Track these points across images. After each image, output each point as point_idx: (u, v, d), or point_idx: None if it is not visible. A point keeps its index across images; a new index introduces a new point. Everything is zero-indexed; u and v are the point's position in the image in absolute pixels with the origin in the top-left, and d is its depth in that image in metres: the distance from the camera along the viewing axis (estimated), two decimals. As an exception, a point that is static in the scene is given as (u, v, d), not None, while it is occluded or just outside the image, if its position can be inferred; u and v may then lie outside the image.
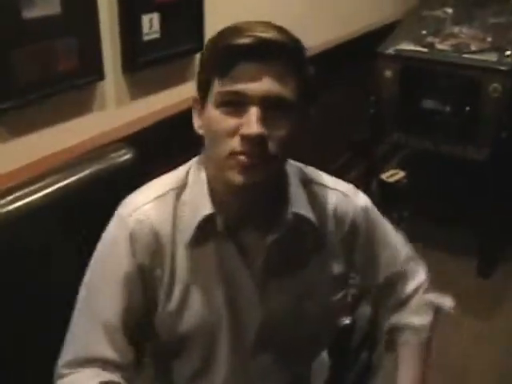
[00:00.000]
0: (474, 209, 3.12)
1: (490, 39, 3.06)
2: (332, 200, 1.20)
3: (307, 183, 1.19)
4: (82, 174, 1.44)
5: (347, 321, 1.44)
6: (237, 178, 1.00)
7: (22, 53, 1.49)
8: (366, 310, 2.44)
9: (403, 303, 1.32)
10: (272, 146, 0.99)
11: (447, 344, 2.60)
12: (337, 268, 1.23)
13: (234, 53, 0.97)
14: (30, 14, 1.47)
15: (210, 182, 1.10)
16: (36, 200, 1.37)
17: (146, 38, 1.84)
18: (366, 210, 1.23)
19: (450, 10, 3.37)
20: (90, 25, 1.65)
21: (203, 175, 1.10)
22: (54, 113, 1.64)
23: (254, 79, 0.97)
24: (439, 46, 3.02)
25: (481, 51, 2.96)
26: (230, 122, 0.99)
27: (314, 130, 3.08)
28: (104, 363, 1.08)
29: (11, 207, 1.34)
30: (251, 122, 0.96)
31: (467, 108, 2.87)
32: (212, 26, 2.11)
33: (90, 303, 1.12)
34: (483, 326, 2.79)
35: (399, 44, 3.03)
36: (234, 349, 1.17)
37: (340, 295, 1.25)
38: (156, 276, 1.12)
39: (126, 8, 1.76)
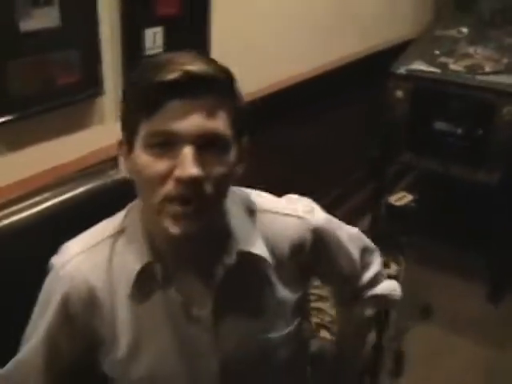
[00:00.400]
0: (484, 233, 3.06)
1: (505, 60, 3.01)
2: (287, 228, 1.11)
3: (255, 213, 1.11)
4: (79, 190, 1.42)
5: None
6: (172, 228, 0.94)
7: (19, 66, 1.47)
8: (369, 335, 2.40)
9: (356, 296, 1.31)
10: (210, 187, 0.93)
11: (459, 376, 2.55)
12: (294, 293, 1.15)
13: (161, 90, 0.89)
14: (27, 26, 1.43)
15: (146, 228, 1.03)
16: (32, 215, 1.36)
17: (148, 52, 1.81)
18: (322, 229, 1.16)
19: (464, 30, 3.33)
20: (90, 38, 1.62)
21: (139, 222, 1.04)
22: (52, 127, 1.61)
23: (184, 116, 0.89)
24: (452, 67, 2.97)
25: (495, 73, 2.91)
26: (162, 165, 0.91)
27: (326, 146, 3.05)
28: None
29: (5, 222, 1.32)
30: (186, 163, 0.89)
31: (480, 131, 2.81)
32: (218, 41, 2.09)
33: (24, 344, 1.11)
34: (495, 356, 2.71)
35: (411, 64, 2.99)
36: None
37: (299, 319, 1.18)
38: (94, 326, 1.07)
39: (129, 21, 1.73)
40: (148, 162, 0.91)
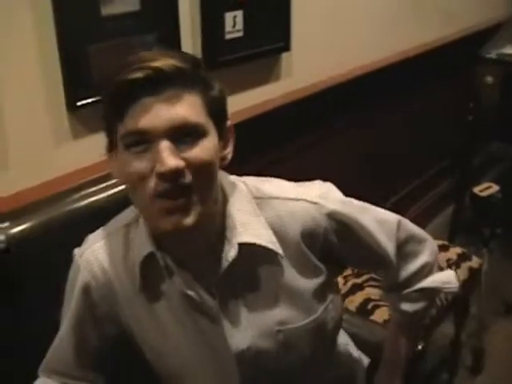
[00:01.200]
0: None
1: None
2: (297, 213, 1.06)
3: (262, 201, 1.07)
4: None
5: (419, 347, 1.35)
6: (164, 224, 0.93)
7: (100, 49, 1.49)
8: (448, 329, 2.34)
9: (400, 286, 1.25)
10: (193, 176, 0.91)
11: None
12: (312, 280, 1.11)
13: (127, 90, 0.89)
14: (109, 10, 1.46)
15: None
16: (107, 197, 1.40)
17: (228, 36, 1.80)
18: (339, 213, 1.10)
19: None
20: (169, 22, 1.63)
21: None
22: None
23: (152, 112, 0.89)
24: (547, 52, 2.83)
25: None
26: (142, 163, 0.91)
27: (410, 135, 2.99)
28: (65, 376, 1.18)
29: (80, 204, 1.37)
30: (163, 157, 0.88)
31: None
32: (299, 25, 2.07)
33: (60, 330, 1.17)
34: None
35: (502, 48, 2.86)
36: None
37: (320, 311, 1.13)
38: (116, 312, 1.12)
39: (209, 5, 1.73)
40: (129, 162, 0.91)
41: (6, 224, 1.28)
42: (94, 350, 1.16)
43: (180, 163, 0.89)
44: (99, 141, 1.56)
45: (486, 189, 2.50)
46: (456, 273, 2.05)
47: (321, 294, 1.12)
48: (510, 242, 2.80)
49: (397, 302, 1.28)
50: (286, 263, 1.07)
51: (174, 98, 0.90)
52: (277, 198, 1.07)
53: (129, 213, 1.11)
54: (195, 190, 0.92)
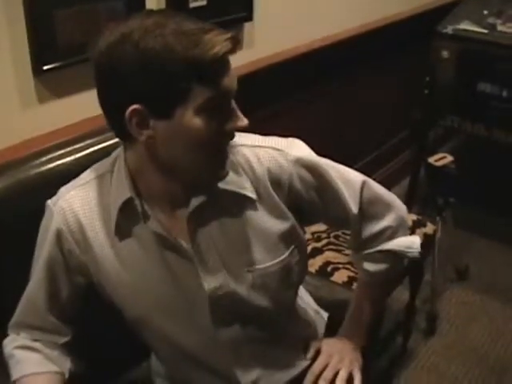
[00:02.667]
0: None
1: (555, 22, 2.92)
2: (264, 159, 1.14)
3: (233, 148, 1.13)
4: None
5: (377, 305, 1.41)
6: (221, 172, 1.08)
7: (65, 14, 1.50)
8: (402, 294, 2.42)
9: (362, 246, 1.31)
10: None
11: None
12: (281, 222, 1.17)
13: (219, 61, 0.97)
14: (74, -25, 1.46)
15: (130, 171, 1.10)
16: (71, 162, 1.40)
17: (192, 4, 1.83)
18: (305, 162, 1.16)
19: (515, -10, 3.22)
20: (134, -12, 1.63)
21: (123, 166, 1.10)
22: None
23: (229, 75, 1.00)
24: (501, 28, 2.89)
25: (545, 35, 2.83)
26: (214, 123, 1.00)
27: (369, 107, 3.03)
28: (35, 329, 1.21)
29: (46, 167, 1.38)
30: (239, 115, 1.03)
31: (525, 94, 2.75)
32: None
33: (30, 281, 1.20)
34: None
35: (459, 23, 2.92)
36: (192, 328, 1.20)
37: (287, 253, 1.19)
38: (86, 260, 1.16)
39: (174, -28, 1.73)
40: (202, 125, 0.98)
41: (-27, 185, 1.29)
42: (64, 300, 1.19)
43: None
44: (65, 105, 1.59)
45: (441, 159, 2.57)
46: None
47: (288, 237, 1.18)
48: (463, 211, 2.89)
49: (360, 261, 1.34)
50: (257, 206, 1.14)
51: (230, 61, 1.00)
52: (246, 145, 1.15)
53: (99, 166, 1.17)
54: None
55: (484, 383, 2.36)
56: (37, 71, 1.50)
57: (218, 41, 0.94)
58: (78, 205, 1.13)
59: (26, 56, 1.47)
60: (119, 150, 1.15)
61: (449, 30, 2.90)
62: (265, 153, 1.15)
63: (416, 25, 3.09)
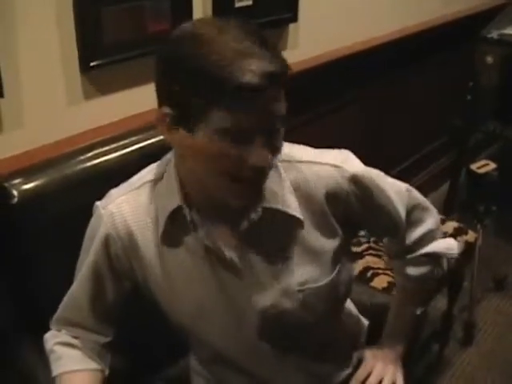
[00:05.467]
0: None
1: None
2: (321, 177, 1.10)
3: (290, 164, 1.10)
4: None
5: (418, 311, 1.39)
6: (234, 202, 1.01)
7: (112, 12, 1.51)
8: (440, 302, 2.39)
9: (406, 252, 1.30)
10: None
11: None
12: (332, 240, 1.15)
13: (245, 90, 0.88)
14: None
15: (179, 178, 1.06)
16: (115, 158, 1.42)
17: (238, 4, 1.82)
18: (361, 177, 1.13)
19: None
20: (182, -13, 1.64)
21: (173, 171, 1.07)
22: (142, 73, 1.64)
23: (259, 109, 0.91)
24: (548, 33, 2.85)
25: None
26: (235, 151, 0.93)
27: (410, 110, 3.00)
28: (76, 327, 1.21)
29: (91, 163, 1.39)
30: (260, 152, 0.93)
31: None
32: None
33: (75, 280, 1.20)
34: None
35: (504, 28, 2.88)
36: (236, 337, 1.18)
37: (336, 270, 1.17)
38: (132, 266, 1.15)
39: (221, -28, 1.74)
40: (219, 147, 0.92)
41: (19, 180, 1.31)
42: (108, 303, 1.19)
43: (271, 158, 0.95)
44: (110, 102, 1.60)
45: (483, 166, 2.53)
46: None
47: (337, 256, 1.16)
48: (504, 219, 2.84)
49: (402, 267, 1.32)
50: (308, 225, 1.11)
51: (273, 95, 0.92)
52: (304, 161, 1.11)
53: (152, 170, 1.14)
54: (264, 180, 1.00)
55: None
56: (84, 68, 1.51)
57: (248, 71, 0.88)
58: (127, 210, 1.11)
59: (74, 52, 1.49)
60: (166, 158, 1.13)
61: (494, 34, 2.87)
62: (323, 170, 1.10)
63: (460, 29, 3.04)
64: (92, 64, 1.51)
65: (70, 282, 1.20)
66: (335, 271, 1.16)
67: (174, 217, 1.07)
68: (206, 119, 0.91)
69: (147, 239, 1.12)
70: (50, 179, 1.34)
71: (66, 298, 1.21)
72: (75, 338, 1.21)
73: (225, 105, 0.89)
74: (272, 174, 1.05)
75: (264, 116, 0.92)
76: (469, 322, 2.56)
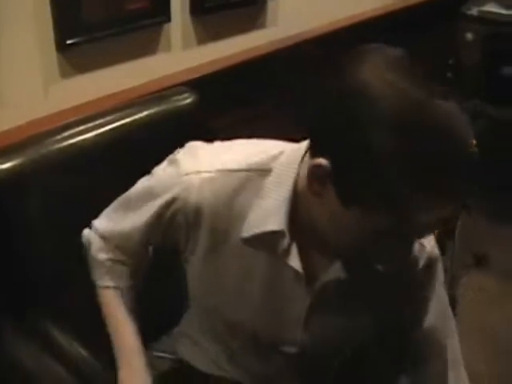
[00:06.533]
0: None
1: None
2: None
3: None
4: (142, 115, 1.48)
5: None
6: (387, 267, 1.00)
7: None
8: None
9: None
10: None
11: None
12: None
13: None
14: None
15: (293, 198, 0.96)
16: (93, 137, 1.40)
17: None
18: (435, 261, 1.10)
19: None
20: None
21: (291, 176, 0.95)
22: (119, 52, 1.64)
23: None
24: (528, 10, 2.85)
25: None
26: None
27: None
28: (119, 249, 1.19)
29: (67, 143, 1.38)
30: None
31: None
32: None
33: (128, 207, 1.16)
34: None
35: (484, 5, 2.87)
36: (256, 344, 1.16)
37: None
38: (186, 239, 1.08)
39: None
40: (349, 221, 0.86)
41: (-4, 160, 1.29)
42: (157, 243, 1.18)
43: None
44: (88, 81, 1.59)
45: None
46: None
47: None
48: (485, 198, 2.86)
49: None
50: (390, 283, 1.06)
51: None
52: None
53: (260, 156, 1.01)
54: None
55: (502, 369, 2.34)
56: (60, 45, 1.49)
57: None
58: (207, 190, 1.00)
59: (50, 29, 1.47)
60: (292, 148, 1.00)
61: (474, 11, 2.86)
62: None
63: (440, 6, 3.03)
64: (68, 42, 1.49)
65: (53, 259, 1.25)
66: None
67: (264, 234, 0.98)
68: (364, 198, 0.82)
69: (217, 228, 1.03)
70: (28, 159, 1.32)
71: (111, 221, 1.20)
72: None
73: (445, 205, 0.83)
74: None
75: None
76: (450, 298, 2.57)
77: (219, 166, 1.01)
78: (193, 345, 1.29)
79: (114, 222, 1.19)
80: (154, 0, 1.64)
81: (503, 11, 2.85)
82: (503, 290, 2.74)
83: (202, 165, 1.03)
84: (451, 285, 2.58)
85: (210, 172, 1.01)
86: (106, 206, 1.22)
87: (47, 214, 1.30)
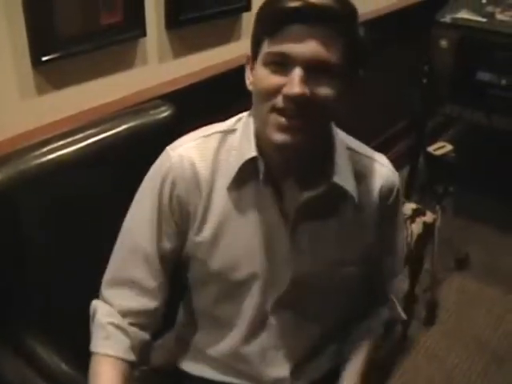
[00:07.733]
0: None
1: (554, 11, 2.92)
2: (381, 176, 1.20)
3: (355, 154, 1.19)
4: (120, 129, 1.48)
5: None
6: (276, 136, 1.03)
7: (65, 5, 1.49)
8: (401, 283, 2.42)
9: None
10: (314, 108, 1.01)
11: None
12: (368, 239, 1.23)
13: (284, 15, 0.99)
14: (72, -35, 1.45)
15: (256, 133, 1.12)
16: (72, 152, 1.40)
17: (191, -8, 1.81)
18: (399, 190, 1.24)
19: (514, -21, 3.22)
20: (133, -21, 1.63)
21: (252, 126, 1.13)
22: (95, 67, 1.64)
23: (300, 41, 0.98)
24: (499, 17, 2.89)
25: (544, 23, 2.82)
26: (275, 80, 1.01)
27: (367, 97, 3.02)
28: (136, 284, 1.18)
29: (46, 158, 1.38)
30: (294, 82, 0.98)
31: (524, 82, 2.75)
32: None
33: (131, 231, 1.20)
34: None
35: (457, 12, 2.92)
36: (260, 302, 1.21)
37: (369, 261, 1.26)
38: (189, 210, 1.16)
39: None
40: (264, 77, 1.02)
41: (-27, 177, 1.29)
42: (167, 251, 1.19)
43: (306, 92, 0.99)
44: (64, 97, 1.59)
45: (440, 148, 2.57)
46: (411, 227, 2.14)
47: (371, 248, 1.24)
48: (462, 200, 2.90)
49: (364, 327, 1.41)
50: (358, 214, 1.19)
51: (324, 35, 0.99)
52: (366, 156, 1.21)
53: (222, 124, 1.20)
54: (309, 120, 1.02)
55: (484, 370, 2.37)
56: (35, 62, 1.49)
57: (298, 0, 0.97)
58: (196, 154, 1.15)
59: (25, 46, 1.46)
60: (243, 114, 1.19)
61: (447, 18, 2.91)
62: (384, 171, 1.21)
63: (417, 14, 3.08)
64: (44, 58, 1.48)
65: (35, 275, 1.23)
66: (367, 263, 1.25)
67: (246, 168, 1.12)
68: (261, 49, 1.03)
69: (211, 183, 1.15)
70: (5, 176, 1.33)
71: (115, 257, 1.21)
72: (131, 325, 1.18)
73: (270, 32, 1.00)
74: (342, 152, 1.15)
75: (305, 48, 0.98)
76: (431, 301, 2.61)
77: (199, 135, 1.18)
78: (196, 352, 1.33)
79: (121, 261, 1.20)
80: (129, 15, 1.65)
81: (475, 18, 2.90)
82: (484, 292, 2.77)
83: (183, 139, 1.18)
84: (432, 288, 2.61)
85: (192, 141, 1.17)
86: (86, 219, 1.23)
87: (26, 231, 1.30)
